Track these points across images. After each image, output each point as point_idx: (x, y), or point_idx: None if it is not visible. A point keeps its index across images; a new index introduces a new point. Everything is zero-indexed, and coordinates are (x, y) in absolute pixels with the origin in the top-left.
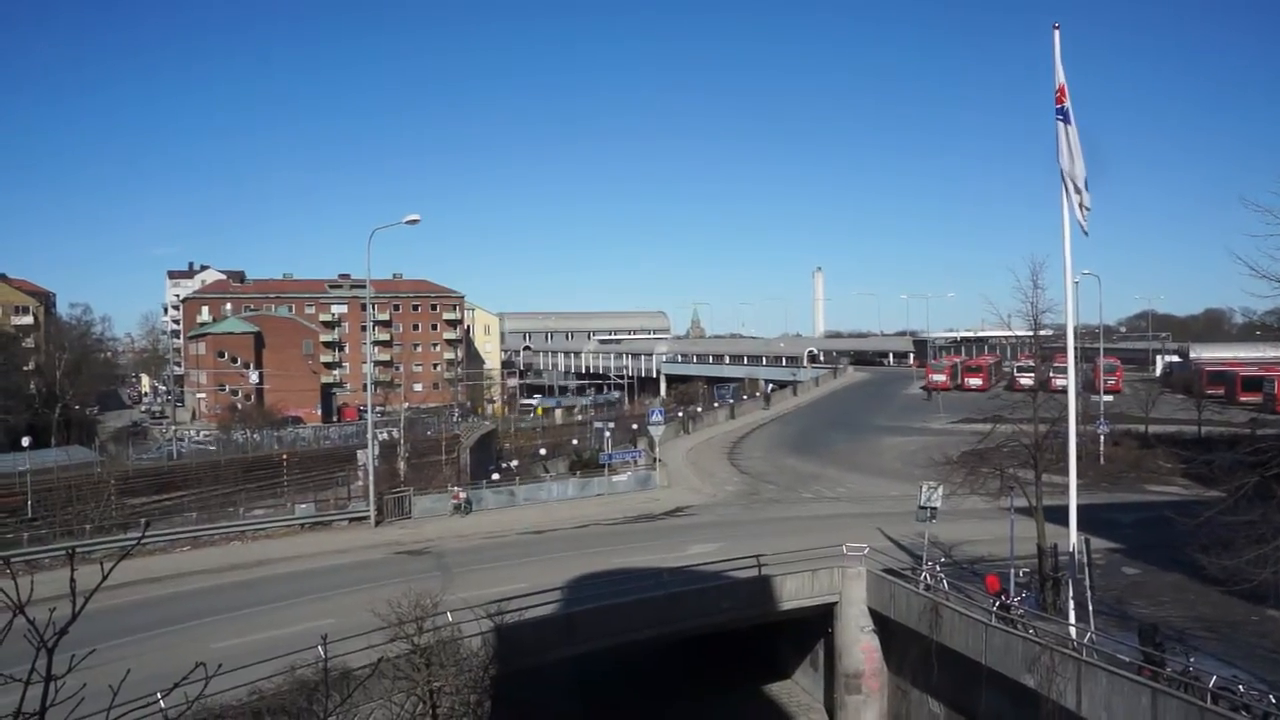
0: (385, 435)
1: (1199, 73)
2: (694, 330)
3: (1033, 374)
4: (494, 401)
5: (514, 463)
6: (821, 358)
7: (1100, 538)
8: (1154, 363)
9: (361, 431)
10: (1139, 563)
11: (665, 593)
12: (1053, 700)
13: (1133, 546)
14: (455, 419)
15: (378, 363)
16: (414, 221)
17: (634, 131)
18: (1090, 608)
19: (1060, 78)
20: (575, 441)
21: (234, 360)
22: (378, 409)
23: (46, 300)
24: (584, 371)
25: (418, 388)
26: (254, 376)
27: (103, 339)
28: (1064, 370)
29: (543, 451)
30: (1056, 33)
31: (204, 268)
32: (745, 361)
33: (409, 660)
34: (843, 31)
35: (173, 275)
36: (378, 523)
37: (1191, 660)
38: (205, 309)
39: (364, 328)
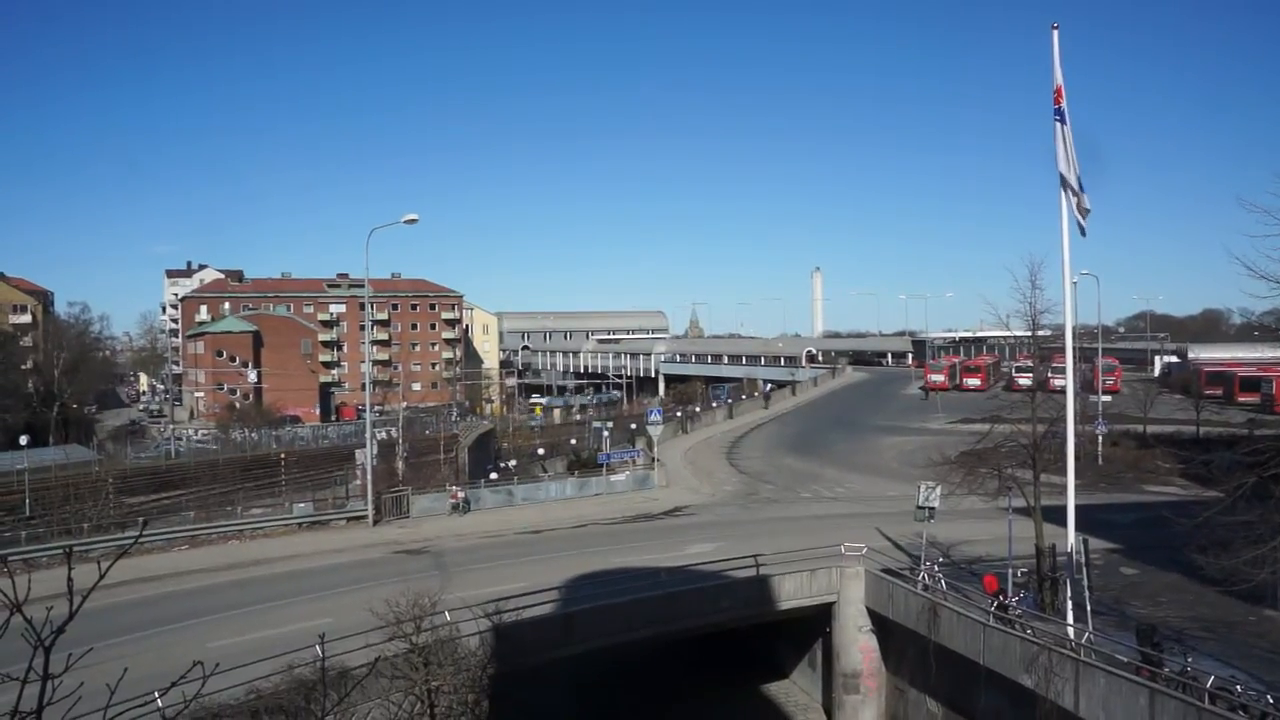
0: (383, 434)
1: (1198, 73)
2: (693, 330)
3: (1031, 374)
4: (492, 401)
5: (512, 462)
6: (820, 358)
7: (1098, 538)
8: (1152, 363)
9: (360, 431)
10: (1137, 563)
11: (663, 592)
12: (1050, 700)
13: (1131, 547)
14: (453, 418)
15: (376, 362)
16: (412, 221)
17: (633, 130)
18: (1088, 608)
19: (1058, 79)
20: (573, 441)
21: (232, 359)
22: (376, 408)
23: (45, 299)
24: (582, 371)
25: (416, 387)
26: (252, 376)
27: (101, 338)
28: (1062, 370)
29: (541, 451)
30: (1055, 33)
31: (202, 267)
32: (744, 361)
33: (407, 659)
34: (841, 30)
35: (171, 274)
36: (376, 522)
37: (1189, 660)
38: (203, 308)
39: (362, 327)
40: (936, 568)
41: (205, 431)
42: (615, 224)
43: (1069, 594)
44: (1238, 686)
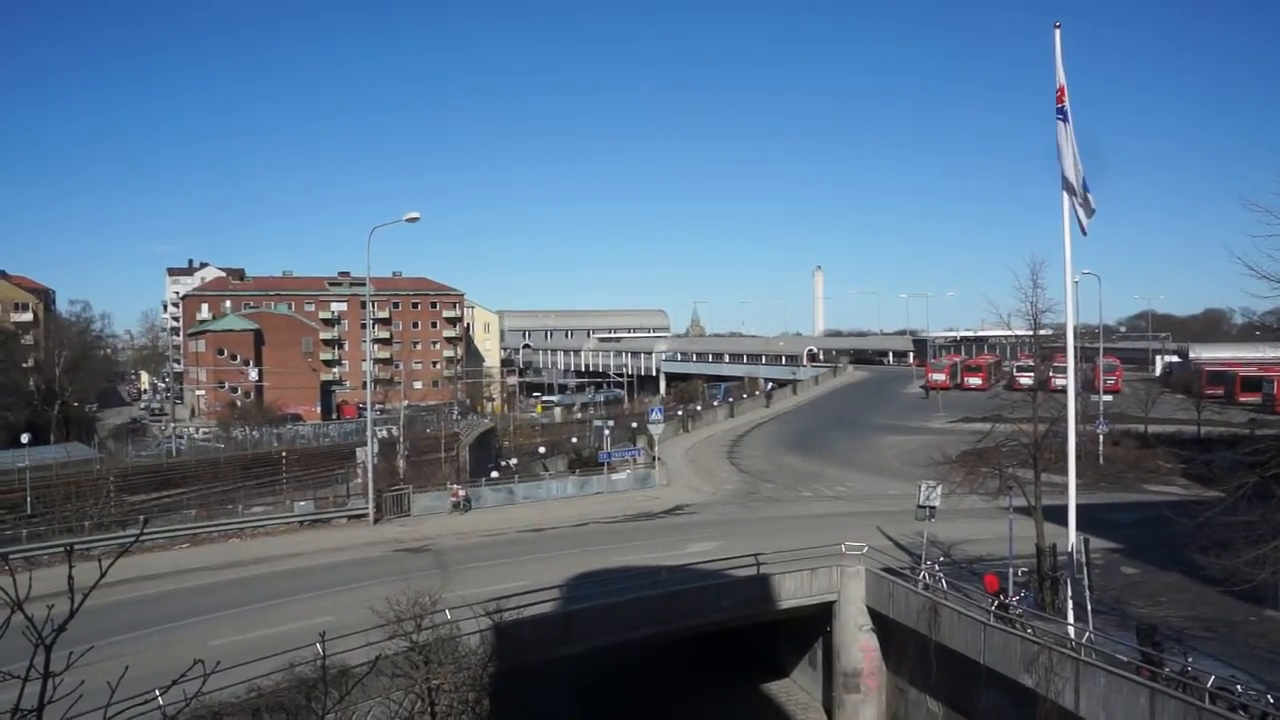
0: (384, 433)
1: (1199, 72)
2: (694, 329)
3: (1032, 373)
4: (493, 399)
5: (513, 461)
6: (821, 356)
7: (1099, 537)
8: (1153, 363)
9: (361, 429)
10: (1138, 563)
11: (664, 591)
12: (1051, 700)
13: (1131, 546)
14: (454, 417)
15: (377, 360)
16: (414, 219)
17: (634, 129)
18: (1089, 607)
19: (1061, 78)
20: (574, 440)
21: (233, 358)
22: (377, 407)
23: (46, 297)
24: (583, 370)
25: (417, 385)
26: (253, 374)
27: (102, 336)
28: (1063, 370)
29: (542, 450)
30: (1057, 32)
31: (204, 265)
32: (745, 360)
33: (407, 658)
34: (843, 29)
35: (172, 272)
36: (377, 520)
37: (1190, 660)
38: (205, 306)
39: (364, 325)
40: (937, 567)
41: (206, 430)
42: (616, 223)
43: (1069, 593)
44: (1238, 686)
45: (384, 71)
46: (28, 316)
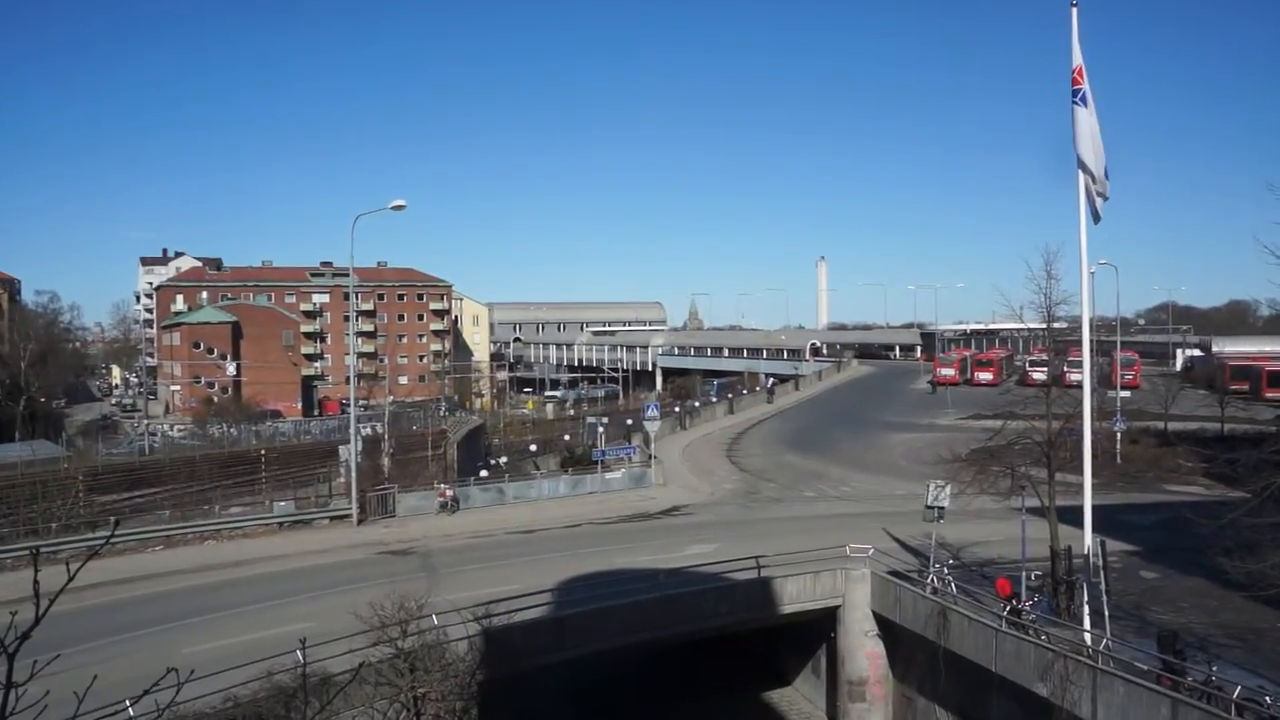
0: (369, 430)
1: (1222, 55)
2: (692, 322)
3: (1046, 368)
4: (482, 395)
5: (503, 459)
6: (825, 350)
7: (1117, 540)
8: (1174, 357)
9: (344, 426)
10: (1158, 566)
11: (660, 595)
12: (1066, 710)
13: (1151, 549)
14: (442, 413)
15: (361, 354)
16: (400, 207)
17: (631, 118)
18: (1106, 613)
19: (1078, 59)
20: (567, 437)
21: (210, 351)
22: (361, 402)
23: (11, 287)
24: (576, 364)
25: (403, 380)
26: (231, 368)
27: (71, 328)
28: (1079, 364)
29: (533, 447)
30: (1074, 11)
31: (179, 254)
32: (745, 354)
33: (392, 665)
34: (847, 18)
35: (146, 262)
36: (360, 521)
37: (1214, 669)
38: (180, 297)
39: (347, 318)
40: (946, 570)
41: (181, 426)
42: (612, 214)
43: (1086, 598)
44: (1266, 698)
45: (371, 56)
46: None
